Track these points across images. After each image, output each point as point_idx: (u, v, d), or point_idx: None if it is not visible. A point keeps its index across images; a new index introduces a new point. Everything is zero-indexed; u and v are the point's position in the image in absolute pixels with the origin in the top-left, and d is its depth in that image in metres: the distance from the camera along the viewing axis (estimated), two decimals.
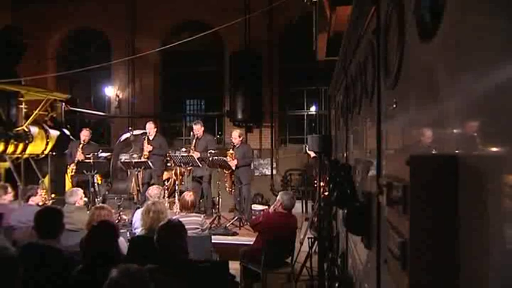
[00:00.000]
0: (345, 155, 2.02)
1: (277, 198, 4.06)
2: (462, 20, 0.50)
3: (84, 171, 5.89)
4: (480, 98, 0.45)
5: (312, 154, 5.10)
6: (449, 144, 0.55)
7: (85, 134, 6.46)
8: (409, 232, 0.53)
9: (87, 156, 6.12)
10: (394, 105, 0.84)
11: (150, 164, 5.84)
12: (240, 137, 5.91)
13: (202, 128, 6.21)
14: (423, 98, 0.67)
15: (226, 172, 5.89)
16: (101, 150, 6.72)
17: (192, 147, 6.09)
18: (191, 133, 9.25)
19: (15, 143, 6.46)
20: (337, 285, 1.91)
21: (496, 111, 0.42)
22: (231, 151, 5.80)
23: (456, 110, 0.53)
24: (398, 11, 0.78)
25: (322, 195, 2.62)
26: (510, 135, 0.38)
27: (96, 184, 6.18)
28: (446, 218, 0.51)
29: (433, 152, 0.61)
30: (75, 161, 6.26)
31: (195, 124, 6.25)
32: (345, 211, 1.17)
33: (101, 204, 4.13)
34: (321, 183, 2.67)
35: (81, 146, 6.36)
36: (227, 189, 5.97)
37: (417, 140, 0.70)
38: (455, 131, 0.53)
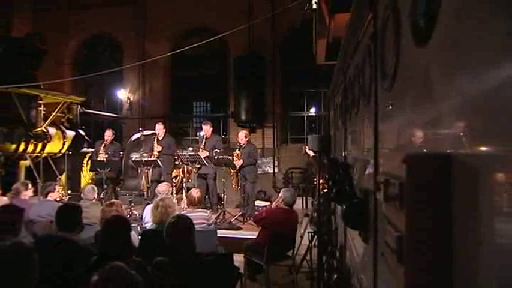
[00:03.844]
0: (343, 154, 2.01)
1: (279, 194, 4.05)
2: (456, 25, 0.50)
3: (98, 169, 5.92)
4: (471, 99, 0.45)
5: (311, 153, 5.08)
6: (443, 144, 0.55)
7: (108, 135, 6.53)
8: (405, 227, 0.53)
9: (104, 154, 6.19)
10: (390, 107, 0.84)
11: (159, 162, 5.86)
12: (246, 137, 5.88)
13: (211, 129, 6.21)
14: (418, 99, 0.66)
15: (233, 171, 5.89)
16: (121, 152, 6.76)
17: (201, 146, 6.08)
18: (198, 133, 9.29)
19: (35, 142, 6.53)
20: (335, 276, 1.90)
21: (487, 112, 0.42)
22: (236, 151, 5.80)
23: (449, 110, 0.52)
24: (395, 16, 0.77)
25: (322, 192, 2.61)
26: (497, 134, 0.39)
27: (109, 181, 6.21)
28: (441, 213, 0.50)
29: (428, 151, 0.60)
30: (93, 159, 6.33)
31: (204, 124, 6.24)
32: (344, 207, 1.16)
33: (111, 200, 4.15)
34: (320, 181, 2.66)
35: (103, 145, 6.42)
36: (234, 186, 5.96)
37: (412, 140, 0.69)
38: (448, 131, 0.53)
